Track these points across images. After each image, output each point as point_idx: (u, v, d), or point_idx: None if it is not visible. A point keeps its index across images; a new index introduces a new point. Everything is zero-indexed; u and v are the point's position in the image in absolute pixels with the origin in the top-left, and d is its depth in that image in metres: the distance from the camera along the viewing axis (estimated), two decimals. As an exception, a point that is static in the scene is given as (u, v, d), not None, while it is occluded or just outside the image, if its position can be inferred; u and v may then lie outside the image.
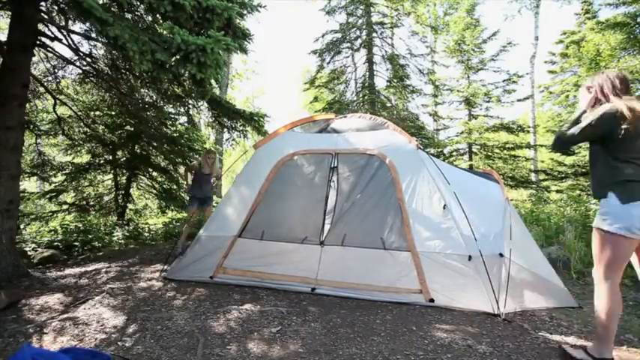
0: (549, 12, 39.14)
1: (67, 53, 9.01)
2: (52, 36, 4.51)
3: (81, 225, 6.70)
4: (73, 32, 4.69)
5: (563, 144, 2.25)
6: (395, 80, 11.97)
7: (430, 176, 3.45)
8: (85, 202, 7.32)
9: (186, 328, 2.66)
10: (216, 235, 3.74)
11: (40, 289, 3.61)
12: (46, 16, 4.45)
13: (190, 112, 7.00)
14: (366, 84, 12.37)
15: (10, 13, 4.23)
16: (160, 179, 8.14)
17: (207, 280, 3.64)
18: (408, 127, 11.46)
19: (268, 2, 4.63)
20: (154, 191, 8.19)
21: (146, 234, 7.09)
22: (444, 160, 11.01)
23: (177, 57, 3.44)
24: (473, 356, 2.30)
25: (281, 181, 3.80)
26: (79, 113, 6.40)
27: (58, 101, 5.53)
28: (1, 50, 3.99)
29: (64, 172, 7.15)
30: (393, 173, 3.51)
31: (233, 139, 6.72)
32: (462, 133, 12.13)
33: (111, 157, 7.53)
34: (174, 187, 8.08)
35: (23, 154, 5.31)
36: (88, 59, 5.34)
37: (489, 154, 11.92)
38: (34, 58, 4.99)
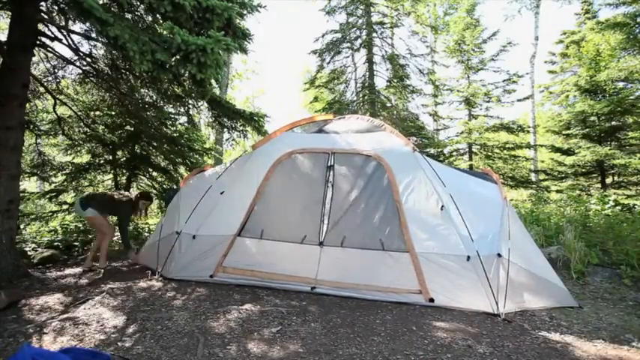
0: (549, 12, 39.10)
1: (67, 53, 8.99)
2: (52, 36, 4.51)
3: (81, 225, 6.70)
4: (73, 32, 4.69)
5: None
6: (395, 80, 11.97)
7: (427, 178, 3.46)
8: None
9: (186, 328, 2.67)
10: (215, 234, 3.74)
11: (40, 289, 3.61)
12: (46, 16, 4.45)
13: (190, 112, 6.99)
14: (366, 84, 12.37)
15: (10, 13, 4.23)
16: (160, 179, 8.13)
17: (208, 280, 3.64)
18: (408, 127, 11.46)
19: (268, 2, 4.63)
20: (154, 191, 8.18)
21: (146, 234, 7.09)
22: (443, 160, 11.09)
23: (177, 57, 3.44)
24: (473, 356, 2.31)
25: (279, 181, 3.81)
26: (79, 113, 6.40)
27: (58, 101, 5.53)
28: (1, 50, 3.99)
29: (64, 172, 7.15)
30: (390, 175, 3.52)
31: (233, 139, 6.71)
32: (462, 133, 12.13)
33: (111, 157, 7.52)
34: (175, 187, 8.06)
35: (23, 154, 5.31)
36: (88, 59, 5.33)
37: (489, 154, 11.92)
38: (34, 58, 4.99)
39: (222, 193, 3.91)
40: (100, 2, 3.62)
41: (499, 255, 3.09)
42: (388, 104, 12.39)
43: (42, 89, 5.63)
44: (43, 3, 4.31)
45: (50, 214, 7.02)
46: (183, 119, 7.83)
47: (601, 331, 2.76)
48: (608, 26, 7.86)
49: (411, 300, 3.19)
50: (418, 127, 12.11)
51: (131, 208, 4.57)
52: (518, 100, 12.39)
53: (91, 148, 7.29)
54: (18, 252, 4.29)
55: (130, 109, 6.31)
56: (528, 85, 13.74)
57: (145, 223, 8.07)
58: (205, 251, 3.72)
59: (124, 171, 7.84)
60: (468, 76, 12.60)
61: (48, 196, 6.93)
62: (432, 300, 3.13)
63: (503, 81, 12.03)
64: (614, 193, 8.64)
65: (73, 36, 4.79)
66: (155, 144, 7.47)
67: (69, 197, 7.65)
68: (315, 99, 13.75)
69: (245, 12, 4.33)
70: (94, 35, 4.70)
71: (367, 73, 12.43)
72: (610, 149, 9.41)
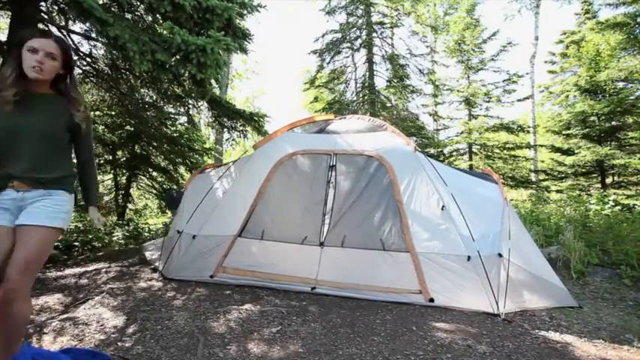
0: (549, 12, 39.02)
1: (67, 53, 8.99)
2: (52, 36, 4.51)
3: (81, 225, 6.70)
4: (73, 32, 4.69)
5: None
6: (395, 80, 11.97)
7: (428, 178, 3.46)
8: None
9: (186, 328, 2.67)
10: (215, 234, 3.74)
11: (39, 289, 3.61)
12: (46, 16, 4.45)
13: (190, 112, 6.99)
14: (366, 84, 12.37)
15: (10, 13, 4.23)
16: (160, 179, 8.14)
17: (208, 280, 3.64)
18: (408, 127, 11.47)
19: (268, 2, 4.64)
20: (154, 191, 8.20)
21: (146, 234, 7.09)
22: (443, 160, 11.09)
23: (177, 57, 3.44)
24: (473, 356, 2.31)
25: (280, 181, 3.81)
26: (79, 113, 6.40)
27: (58, 101, 5.53)
28: (1, 50, 3.98)
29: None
30: (391, 175, 3.52)
31: (233, 139, 6.71)
32: (462, 133, 12.14)
33: (111, 157, 7.53)
34: (174, 187, 8.07)
35: (23, 154, 5.31)
36: (88, 59, 5.34)
37: (489, 154, 11.93)
38: (34, 58, 4.98)
39: (223, 193, 3.91)
40: (100, 2, 3.62)
41: (500, 255, 3.09)
42: (388, 104, 12.39)
43: (42, 89, 5.62)
44: (43, 3, 4.31)
45: (50, 214, 7.01)
46: (183, 119, 7.83)
47: (601, 331, 2.76)
48: (608, 26, 7.86)
49: (411, 300, 3.19)
50: (418, 127, 12.12)
51: None
52: (518, 100, 12.41)
53: (91, 148, 7.29)
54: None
55: (130, 109, 6.31)
56: (528, 85, 13.74)
57: (145, 223, 8.07)
58: (206, 251, 3.72)
59: (124, 171, 7.85)
60: (468, 76, 12.61)
61: (48, 196, 6.92)
62: (432, 300, 3.13)
63: (503, 81, 12.05)
64: (614, 193, 8.64)
65: (73, 36, 4.79)
66: (155, 144, 7.47)
67: (69, 197, 7.64)
68: (315, 99, 13.76)
69: (245, 12, 4.34)
70: (94, 35, 4.69)
71: (367, 73, 12.44)
72: (610, 149, 9.42)
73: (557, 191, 11.23)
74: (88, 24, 4.36)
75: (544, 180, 11.83)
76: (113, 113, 7.07)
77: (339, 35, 12.33)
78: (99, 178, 7.92)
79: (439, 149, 12.19)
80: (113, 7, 4.21)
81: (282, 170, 3.82)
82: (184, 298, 3.29)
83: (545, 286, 3.21)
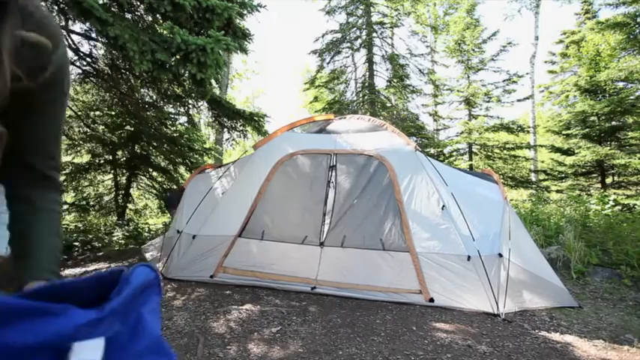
0: (549, 12, 39.19)
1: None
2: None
3: (81, 225, 6.70)
4: (73, 32, 4.68)
5: None
6: (395, 80, 11.97)
7: (428, 177, 3.46)
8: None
9: (186, 328, 2.66)
10: (216, 234, 3.74)
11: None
12: (46, 16, 4.44)
13: (190, 112, 7.00)
14: (366, 84, 12.37)
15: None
16: (160, 179, 8.14)
17: (208, 280, 3.63)
18: (408, 127, 11.46)
19: (268, 2, 4.63)
20: (154, 191, 8.19)
21: (146, 234, 7.09)
22: (443, 160, 11.08)
23: (177, 57, 3.44)
24: (473, 356, 2.31)
25: (280, 181, 3.81)
26: (79, 113, 6.41)
27: (58, 101, 5.53)
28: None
29: (64, 172, 7.15)
30: (392, 175, 3.52)
31: (233, 139, 6.72)
32: (462, 133, 12.12)
33: (111, 157, 7.52)
34: (174, 187, 8.07)
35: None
36: (88, 59, 5.34)
37: (489, 154, 11.92)
38: (34, 58, 4.98)
39: (223, 193, 3.91)
40: (100, 2, 3.62)
41: (500, 255, 3.09)
42: (388, 104, 12.38)
43: (42, 89, 5.62)
44: (43, 3, 4.31)
45: (50, 214, 7.02)
46: (183, 119, 7.83)
47: (601, 331, 2.76)
48: (608, 26, 7.86)
49: (411, 300, 3.19)
50: (418, 127, 12.10)
51: None
52: (518, 100, 12.39)
53: (91, 148, 7.30)
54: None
55: (130, 109, 6.31)
56: (528, 85, 13.73)
57: (145, 223, 8.07)
58: (206, 251, 3.72)
59: (124, 171, 7.85)
60: (468, 76, 12.60)
61: (48, 196, 6.92)
62: (432, 300, 3.13)
63: (503, 81, 12.03)
64: (614, 193, 8.64)
65: (73, 36, 4.79)
66: (155, 144, 7.47)
67: (69, 197, 7.65)
68: (315, 99, 13.76)
69: (245, 12, 4.34)
70: (94, 35, 4.69)
71: (367, 73, 12.43)
72: (610, 149, 9.41)
73: (557, 191, 11.23)
74: (88, 24, 4.35)
75: (544, 180, 11.82)
76: (113, 113, 7.07)
77: (339, 35, 12.33)
78: (99, 178, 7.91)
79: (439, 149, 12.18)
80: (113, 7, 4.21)
81: (283, 170, 3.82)
82: (184, 298, 3.29)
83: (545, 286, 3.21)
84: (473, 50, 12.37)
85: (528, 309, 3.09)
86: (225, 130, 6.82)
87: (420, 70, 12.51)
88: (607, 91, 10.12)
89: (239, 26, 4.33)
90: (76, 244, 5.76)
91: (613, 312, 3.13)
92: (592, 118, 10.16)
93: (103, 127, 7.18)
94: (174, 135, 7.48)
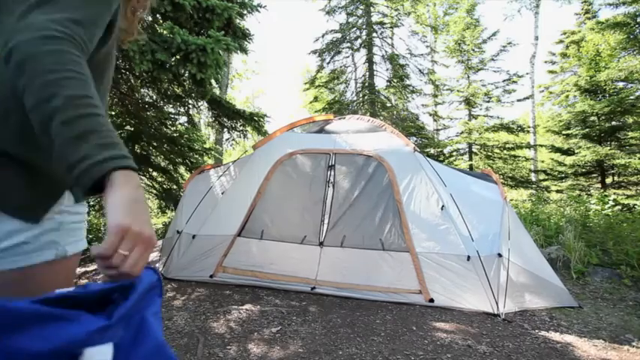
0: (549, 12, 39.21)
1: (67, 53, 8.98)
2: (52, 36, 4.51)
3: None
4: (73, 32, 4.68)
5: None
6: (395, 80, 11.97)
7: (428, 178, 3.47)
8: None
9: (186, 328, 2.67)
10: (215, 234, 3.75)
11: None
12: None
13: (190, 112, 6.99)
14: (366, 84, 12.37)
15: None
16: (160, 179, 8.13)
17: (207, 280, 3.64)
18: (408, 127, 11.47)
19: (268, 2, 4.63)
20: (154, 191, 8.19)
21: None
22: (443, 160, 11.10)
23: (177, 57, 3.44)
24: (473, 356, 2.31)
25: (280, 181, 3.81)
26: (79, 113, 6.40)
27: (58, 101, 5.53)
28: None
29: (63, 172, 7.16)
30: (391, 175, 3.52)
31: (233, 139, 6.72)
32: (462, 133, 12.12)
33: (111, 157, 7.52)
34: (175, 187, 8.06)
35: (23, 154, 5.30)
36: (88, 59, 5.33)
37: (489, 154, 11.92)
38: (34, 58, 4.98)
39: (223, 193, 3.91)
40: (100, 2, 3.62)
41: (499, 255, 3.09)
42: (388, 104, 12.38)
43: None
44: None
45: (50, 214, 7.02)
46: (183, 119, 7.83)
47: (601, 331, 2.76)
48: (608, 26, 7.86)
49: (411, 300, 3.19)
50: (418, 127, 12.11)
51: None
52: (518, 100, 12.39)
53: (91, 148, 7.29)
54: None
55: (130, 109, 6.30)
56: (528, 85, 13.73)
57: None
58: (205, 251, 3.72)
59: (124, 171, 7.83)
60: (468, 76, 12.60)
61: (48, 196, 6.92)
62: (431, 300, 3.13)
63: (503, 81, 12.03)
64: (614, 193, 8.64)
65: (73, 36, 4.78)
66: (155, 144, 7.47)
67: (69, 197, 7.64)
68: (315, 99, 13.76)
69: (245, 12, 4.34)
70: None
71: (367, 73, 12.43)
72: (610, 149, 9.41)
73: (557, 191, 11.22)
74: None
75: (544, 180, 11.82)
76: (113, 113, 7.06)
77: (339, 35, 12.33)
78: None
79: (439, 149, 12.18)
80: (113, 7, 4.21)
81: (282, 170, 3.82)
82: (184, 298, 3.29)
83: (545, 286, 3.21)
84: (473, 50, 12.37)
85: (528, 309, 3.09)
86: (225, 130, 6.82)
87: (420, 70, 12.52)
88: (607, 91, 10.12)
89: (239, 26, 4.33)
90: (76, 244, 5.76)
91: (613, 312, 3.13)
92: (592, 118, 10.16)
93: (103, 127, 7.18)
94: (174, 135, 7.48)
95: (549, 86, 14.86)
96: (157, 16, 4.23)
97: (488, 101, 12.11)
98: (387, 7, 12.50)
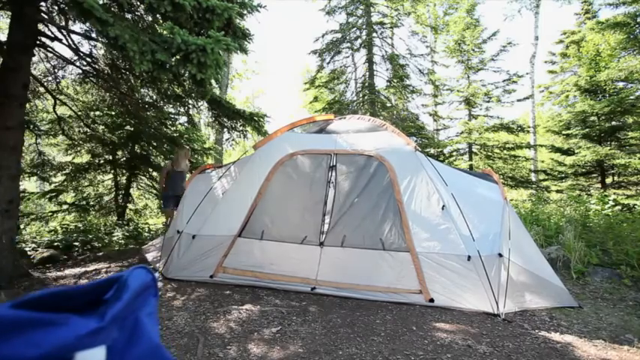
0: (549, 12, 39.17)
1: (67, 53, 9.01)
2: (52, 36, 4.51)
3: (81, 225, 6.70)
4: (73, 32, 4.68)
5: None
6: (395, 80, 11.96)
7: (428, 177, 3.46)
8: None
9: (186, 328, 2.66)
10: (216, 234, 3.75)
11: (39, 289, 3.61)
12: (46, 16, 4.45)
13: (190, 112, 7.00)
14: (366, 84, 12.36)
15: (10, 13, 4.23)
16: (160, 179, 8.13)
17: (208, 280, 3.64)
18: (408, 127, 11.46)
19: (268, 2, 4.63)
20: (154, 191, 8.19)
21: (146, 234, 7.09)
22: (443, 160, 11.08)
23: (178, 57, 3.44)
24: (473, 356, 2.31)
25: (280, 181, 3.81)
26: (79, 113, 6.41)
27: (58, 101, 5.53)
28: (1, 50, 3.99)
29: (64, 172, 7.16)
30: (392, 175, 3.52)
31: (233, 139, 6.72)
32: (462, 133, 12.12)
33: (111, 157, 7.53)
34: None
35: (23, 154, 5.31)
36: (88, 59, 5.33)
37: (489, 154, 11.92)
38: (34, 58, 4.99)
39: (223, 193, 3.91)
40: (100, 2, 3.62)
41: (500, 255, 3.09)
42: (388, 104, 12.38)
43: (42, 89, 5.64)
44: (43, 3, 4.31)
45: (50, 214, 7.03)
46: (183, 119, 7.84)
47: (601, 331, 2.76)
48: (608, 26, 7.86)
49: (411, 300, 3.19)
50: (418, 127, 12.10)
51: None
52: (518, 100, 12.39)
53: (91, 148, 7.30)
54: (18, 252, 4.29)
55: (130, 109, 6.31)
56: (528, 85, 13.73)
57: (145, 223, 8.07)
58: (206, 251, 3.72)
59: (124, 171, 7.85)
60: (468, 76, 12.60)
61: (48, 196, 6.93)
62: (432, 300, 3.13)
63: (503, 81, 12.03)
64: (614, 193, 8.64)
65: (73, 36, 4.79)
66: (155, 144, 7.48)
67: (69, 197, 7.66)
68: (315, 99, 13.75)
69: (245, 12, 4.33)
70: (94, 35, 4.70)
71: (367, 73, 12.43)
72: (610, 149, 9.41)
73: (557, 191, 11.22)
74: (88, 24, 4.36)
75: (544, 180, 11.82)
76: (113, 113, 7.07)
77: (339, 35, 12.33)
78: (99, 178, 7.90)
79: (439, 149, 12.18)
80: (113, 7, 4.21)
81: (283, 170, 3.82)
82: (184, 298, 3.29)
83: (545, 286, 3.21)
84: (473, 50, 12.36)
85: (528, 309, 3.09)
86: (225, 130, 6.82)
87: (420, 70, 12.51)
88: (607, 91, 10.12)
89: (239, 26, 4.33)
90: (76, 244, 5.77)
91: (613, 312, 3.13)
92: (592, 118, 10.16)
93: (103, 127, 7.19)
94: (174, 135, 7.49)
95: (549, 86, 14.87)
96: (157, 16, 4.23)
97: (488, 101, 12.10)
98: (387, 7, 12.50)
